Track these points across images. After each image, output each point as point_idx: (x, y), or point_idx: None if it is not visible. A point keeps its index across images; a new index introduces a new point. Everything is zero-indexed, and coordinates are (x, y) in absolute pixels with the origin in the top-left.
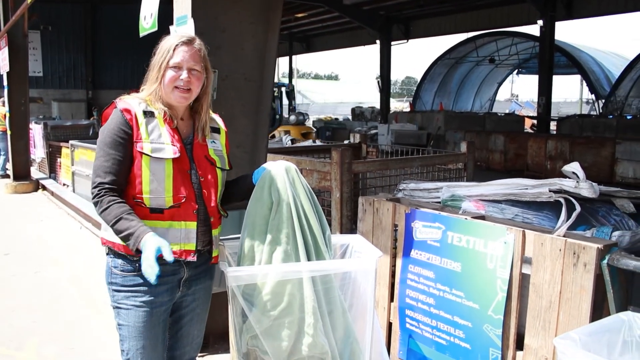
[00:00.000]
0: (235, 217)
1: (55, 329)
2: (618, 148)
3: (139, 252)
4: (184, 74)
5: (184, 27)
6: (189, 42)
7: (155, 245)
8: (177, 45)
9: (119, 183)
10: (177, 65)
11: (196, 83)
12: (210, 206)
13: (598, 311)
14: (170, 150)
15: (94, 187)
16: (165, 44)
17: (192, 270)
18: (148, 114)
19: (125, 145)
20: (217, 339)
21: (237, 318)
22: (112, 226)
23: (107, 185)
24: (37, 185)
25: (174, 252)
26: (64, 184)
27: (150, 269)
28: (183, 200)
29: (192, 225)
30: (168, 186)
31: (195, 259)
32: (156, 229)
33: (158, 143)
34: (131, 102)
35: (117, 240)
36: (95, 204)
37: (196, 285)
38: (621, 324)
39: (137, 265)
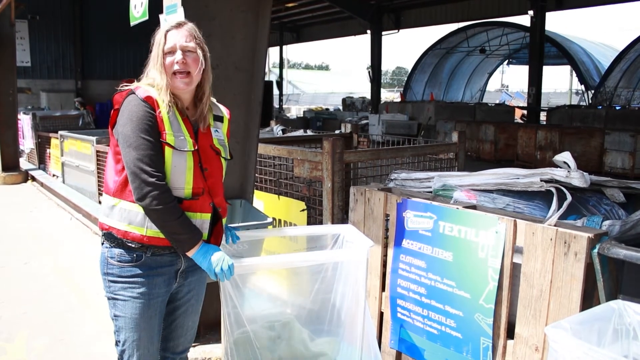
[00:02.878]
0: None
1: (46, 321)
2: (607, 138)
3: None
4: (178, 55)
5: (173, 15)
6: (178, 25)
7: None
8: (167, 31)
9: (162, 170)
10: (171, 50)
11: (193, 65)
12: (217, 197)
13: (588, 300)
14: (190, 142)
15: (155, 182)
16: (158, 34)
17: (188, 261)
18: (166, 103)
19: (155, 131)
20: (208, 329)
21: (229, 309)
22: (172, 221)
23: (159, 175)
24: (26, 176)
25: None
26: (53, 175)
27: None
28: (202, 193)
29: (207, 216)
30: (189, 179)
31: None
32: None
33: (180, 135)
34: (150, 91)
35: (119, 226)
36: (159, 198)
37: (192, 277)
38: (611, 312)
39: (134, 255)
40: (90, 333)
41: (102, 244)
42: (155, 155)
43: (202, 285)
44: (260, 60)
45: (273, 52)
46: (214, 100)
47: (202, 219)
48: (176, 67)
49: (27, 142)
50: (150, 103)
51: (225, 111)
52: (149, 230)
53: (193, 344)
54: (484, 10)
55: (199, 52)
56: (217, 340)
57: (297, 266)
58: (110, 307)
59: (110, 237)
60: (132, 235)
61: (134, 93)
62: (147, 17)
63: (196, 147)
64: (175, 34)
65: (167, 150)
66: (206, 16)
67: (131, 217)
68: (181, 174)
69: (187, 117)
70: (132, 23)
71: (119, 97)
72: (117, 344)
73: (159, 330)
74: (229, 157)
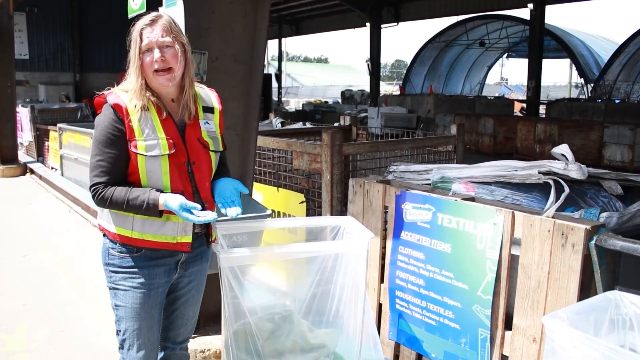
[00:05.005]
0: None
1: (46, 313)
2: (606, 132)
3: (160, 212)
4: (156, 53)
5: (172, 8)
6: (152, 22)
7: (178, 204)
8: (142, 29)
9: (117, 181)
10: (148, 48)
11: (173, 60)
12: (203, 191)
13: (586, 291)
14: (165, 145)
15: (92, 186)
16: (134, 33)
17: (189, 253)
18: (139, 108)
19: (120, 142)
20: (207, 321)
21: (229, 299)
22: (126, 208)
23: (105, 185)
24: (24, 169)
25: (169, 245)
26: (52, 168)
27: (201, 218)
28: (182, 195)
29: None
30: (166, 183)
31: (191, 250)
32: (153, 222)
33: (152, 139)
34: (122, 96)
35: (110, 228)
36: (99, 201)
37: (192, 267)
38: (608, 302)
39: (134, 247)
40: (90, 325)
41: (104, 235)
42: (108, 166)
43: (203, 276)
44: (259, 52)
45: (272, 45)
46: (205, 88)
47: (184, 221)
48: (156, 65)
49: (25, 134)
50: (117, 110)
51: (216, 101)
52: (134, 232)
53: (193, 335)
54: (483, 3)
55: (177, 46)
56: (217, 331)
57: (297, 257)
58: (111, 297)
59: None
60: (121, 236)
61: (106, 100)
62: (145, 10)
63: (173, 150)
64: (149, 31)
65: (139, 157)
66: (205, 9)
67: (118, 220)
68: (157, 179)
69: (170, 115)
70: (130, 15)
71: (99, 100)
72: (117, 333)
73: (159, 320)
74: (220, 149)
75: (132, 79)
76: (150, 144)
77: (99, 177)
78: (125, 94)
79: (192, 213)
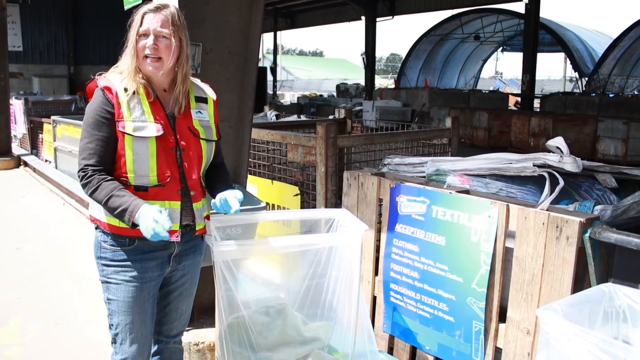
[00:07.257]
0: None
1: (40, 305)
2: (600, 126)
3: (135, 225)
4: (150, 40)
5: None
6: (157, 9)
7: (152, 217)
8: (145, 13)
9: (105, 163)
10: (145, 33)
11: (165, 51)
12: (190, 179)
13: (580, 284)
14: (153, 127)
15: (80, 170)
16: (136, 16)
17: (182, 246)
18: (129, 90)
19: (109, 124)
20: (201, 314)
21: (223, 292)
22: (104, 205)
23: (93, 167)
24: (18, 162)
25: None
26: (46, 160)
27: (161, 233)
28: (168, 180)
29: (176, 204)
30: (152, 165)
31: (179, 238)
32: None
33: (140, 121)
34: (112, 79)
35: (101, 217)
36: (84, 185)
37: (186, 261)
38: (602, 295)
39: (127, 239)
40: (85, 317)
41: (96, 228)
42: (97, 148)
43: (197, 269)
44: (254, 44)
45: (267, 38)
46: (198, 81)
47: (171, 208)
48: (147, 51)
49: (19, 127)
50: (107, 92)
51: (210, 92)
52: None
53: (187, 328)
54: None
55: (174, 39)
56: (211, 324)
57: (291, 250)
58: (103, 291)
59: (99, 227)
60: (111, 226)
61: (97, 84)
62: (141, 1)
63: (160, 132)
64: (151, 17)
65: (127, 137)
66: (200, 0)
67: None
68: (144, 161)
69: (159, 101)
70: (126, 7)
71: (91, 86)
72: (110, 327)
73: (152, 314)
74: (214, 138)
75: (126, 60)
76: (138, 125)
77: (87, 160)
78: (117, 76)
79: (158, 233)
